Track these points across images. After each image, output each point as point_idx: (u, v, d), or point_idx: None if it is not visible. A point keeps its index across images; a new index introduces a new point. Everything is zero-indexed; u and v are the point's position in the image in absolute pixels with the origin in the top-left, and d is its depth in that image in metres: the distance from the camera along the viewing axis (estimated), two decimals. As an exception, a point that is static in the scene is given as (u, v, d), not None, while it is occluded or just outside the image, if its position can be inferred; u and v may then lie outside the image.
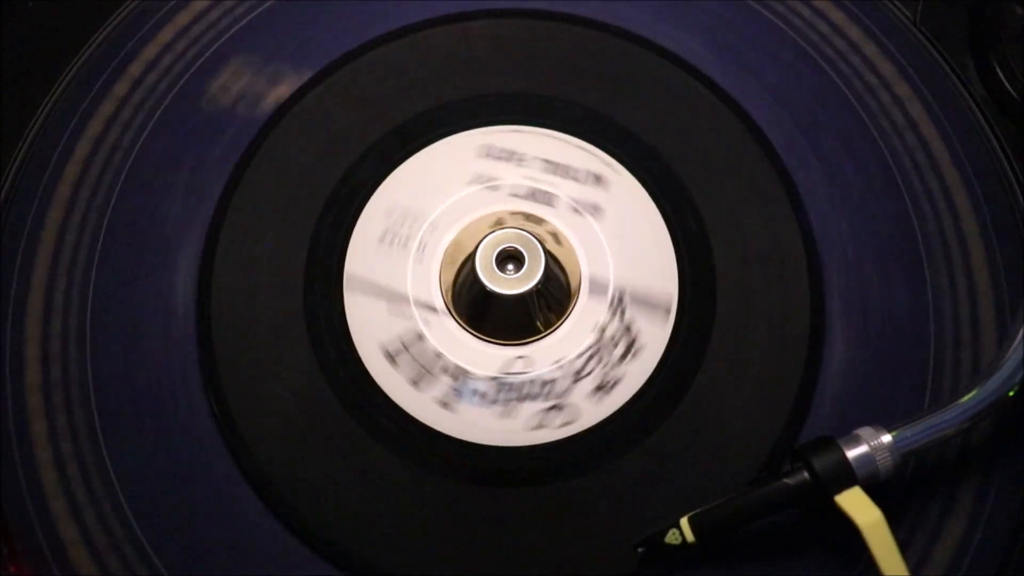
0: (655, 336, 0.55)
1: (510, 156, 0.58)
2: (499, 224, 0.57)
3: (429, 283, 0.56)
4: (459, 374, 0.54)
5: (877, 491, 0.48)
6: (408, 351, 0.55)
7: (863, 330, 0.56)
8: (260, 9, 0.62)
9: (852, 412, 0.54)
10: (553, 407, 0.54)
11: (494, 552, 0.52)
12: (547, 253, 0.54)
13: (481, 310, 0.55)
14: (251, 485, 0.53)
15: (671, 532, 0.49)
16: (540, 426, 0.54)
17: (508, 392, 0.54)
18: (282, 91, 0.59)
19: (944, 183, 0.58)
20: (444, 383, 0.54)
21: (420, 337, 0.55)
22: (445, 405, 0.54)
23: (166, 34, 0.61)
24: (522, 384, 0.54)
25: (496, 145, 0.59)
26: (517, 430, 0.54)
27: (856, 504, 0.48)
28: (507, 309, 0.55)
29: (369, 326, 0.55)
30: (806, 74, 0.61)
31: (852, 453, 0.48)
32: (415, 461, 0.53)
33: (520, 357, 0.55)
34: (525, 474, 0.53)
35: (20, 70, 0.60)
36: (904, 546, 0.52)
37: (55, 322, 0.55)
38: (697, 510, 0.49)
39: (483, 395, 0.54)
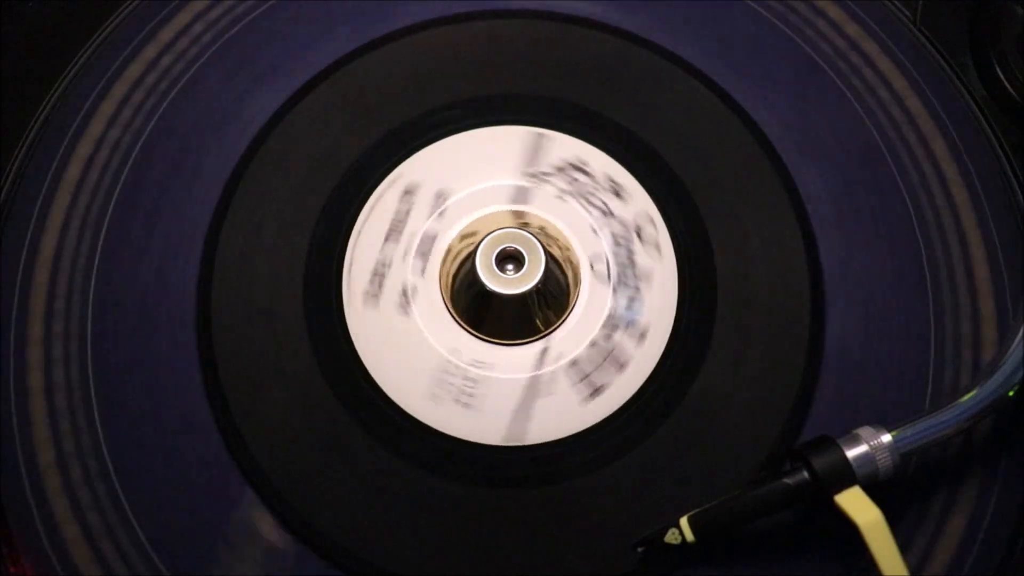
0: (655, 335, 0.55)
1: (556, 166, 0.58)
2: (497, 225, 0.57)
3: (429, 281, 0.56)
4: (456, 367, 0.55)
5: (878, 490, 0.48)
6: (408, 350, 0.55)
7: (863, 330, 0.56)
8: (260, 9, 0.62)
9: (852, 412, 0.54)
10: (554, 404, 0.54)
11: (494, 552, 0.52)
12: (547, 253, 0.54)
13: (481, 310, 0.55)
14: (251, 485, 0.53)
15: (670, 532, 0.49)
16: (541, 424, 0.54)
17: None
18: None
19: (944, 182, 0.58)
20: (439, 380, 0.55)
21: (405, 300, 0.55)
22: (434, 398, 0.54)
23: (166, 34, 0.61)
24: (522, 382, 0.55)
25: (548, 151, 0.59)
26: (516, 429, 0.54)
27: (856, 504, 0.48)
28: (507, 309, 0.55)
29: (362, 273, 0.56)
30: (806, 74, 0.61)
31: (852, 453, 0.48)
32: (415, 461, 0.53)
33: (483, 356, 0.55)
34: (525, 474, 0.53)
35: (20, 70, 0.60)
36: (905, 546, 0.52)
37: (57, 322, 0.55)
38: (696, 510, 0.49)
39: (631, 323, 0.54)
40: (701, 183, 0.58)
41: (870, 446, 0.49)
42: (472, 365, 0.55)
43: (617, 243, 0.57)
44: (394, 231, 0.57)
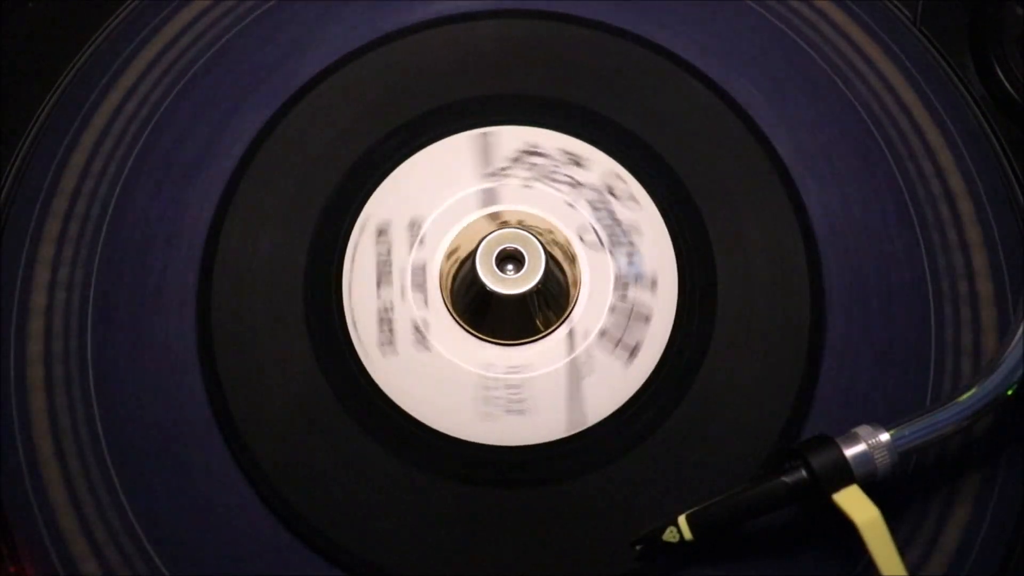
0: (655, 335, 0.55)
1: (511, 157, 0.59)
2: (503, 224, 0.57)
3: (435, 310, 0.56)
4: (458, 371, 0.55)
5: (879, 489, 0.48)
6: (443, 382, 0.55)
7: (863, 329, 0.56)
8: (260, 10, 0.62)
9: (852, 411, 0.54)
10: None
11: (493, 552, 0.52)
12: (547, 253, 0.54)
13: (481, 310, 0.55)
14: (251, 484, 0.53)
15: (669, 530, 0.49)
16: (596, 401, 0.54)
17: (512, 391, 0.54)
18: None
19: (944, 182, 0.58)
20: (441, 379, 0.55)
21: (420, 335, 0.55)
22: (488, 417, 0.54)
23: (166, 34, 0.61)
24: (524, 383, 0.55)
25: (497, 147, 0.59)
26: (576, 415, 0.54)
27: (854, 502, 0.47)
28: (507, 309, 0.55)
29: (369, 325, 0.55)
30: (806, 74, 0.61)
31: (850, 451, 0.48)
32: (415, 461, 0.53)
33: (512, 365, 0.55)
34: (525, 474, 0.53)
35: (20, 70, 0.60)
36: (906, 544, 0.52)
37: (57, 320, 0.55)
38: (695, 508, 0.49)
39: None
40: (701, 183, 0.58)
41: (868, 445, 0.48)
42: (509, 373, 0.55)
43: (595, 208, 0.57)
44: (383, 273, 0.57)
